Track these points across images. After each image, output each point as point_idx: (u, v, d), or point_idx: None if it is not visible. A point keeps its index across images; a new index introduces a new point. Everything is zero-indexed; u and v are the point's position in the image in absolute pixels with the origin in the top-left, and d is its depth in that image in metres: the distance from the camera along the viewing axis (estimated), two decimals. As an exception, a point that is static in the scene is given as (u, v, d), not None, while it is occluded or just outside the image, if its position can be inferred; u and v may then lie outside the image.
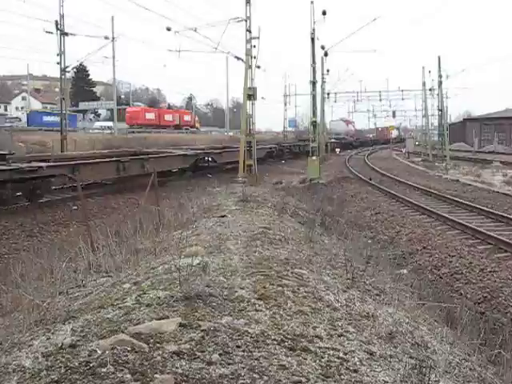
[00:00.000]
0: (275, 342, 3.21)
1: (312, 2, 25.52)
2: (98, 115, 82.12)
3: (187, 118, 75.05)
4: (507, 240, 11.10)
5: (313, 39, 26.42)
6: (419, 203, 17.28)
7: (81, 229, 12.20)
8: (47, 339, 3.19)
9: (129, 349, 2.91)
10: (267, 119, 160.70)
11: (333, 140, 62.59)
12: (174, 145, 35.67)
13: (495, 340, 5.75)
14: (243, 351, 3.03)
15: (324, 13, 25.34)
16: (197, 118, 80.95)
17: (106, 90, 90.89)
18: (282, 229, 7.96)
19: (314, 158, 25.50)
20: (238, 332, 3.28)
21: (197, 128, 75.61)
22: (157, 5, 26.48)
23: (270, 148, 37.94)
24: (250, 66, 21.65)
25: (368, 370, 3.06)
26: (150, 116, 66.56)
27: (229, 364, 2.85)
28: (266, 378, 2.75)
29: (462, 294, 8.58)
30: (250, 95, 21.80)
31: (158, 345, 3.00)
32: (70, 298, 4.45)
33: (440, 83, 43.37)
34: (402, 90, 53.63)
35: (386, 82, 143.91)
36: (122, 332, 3.16)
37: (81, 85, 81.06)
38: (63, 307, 3.94)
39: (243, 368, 2.82)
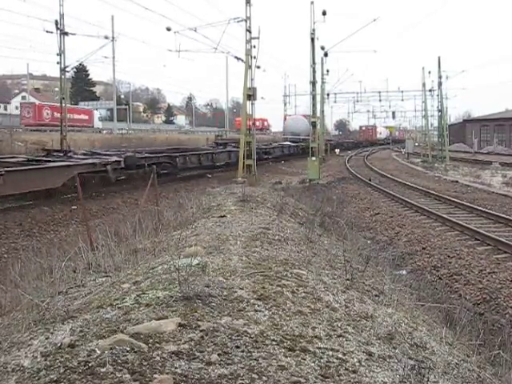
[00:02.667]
0: (274, 343, 3.21)
1: (312, 3, 25.53)
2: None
3: (266, 123, 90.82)
4: (506, 241, 11.10)
5: (313, 39, 26.42)
6: (418, 204, 17.28)
7: (80, 228, 12.23)
8: (46, 339, 3.19)
9: (128, 349, 2.91)
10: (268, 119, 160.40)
11: (274, 145, 43.97)
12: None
13: (494, 341, 5.75)
14: (242, 351, 3.03)
15: (324, 13, 25.34)
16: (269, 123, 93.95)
17: (106, 90, 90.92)
18: (281, 229, 7.97)
19: (313, 158, 25.51)
20: (237, 332, 3.28)
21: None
22: (157, 5, 26.48)
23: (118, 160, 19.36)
24: (250, 66, 21.64)
25: (367, 371, 3.06)
26: (249, 122, 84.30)
27: (228, 364, 2.85)
28: (265, 378, 2.75)
29: (461, 294, 8.58)
30: (250, 95, 21.80)
31: (157, 345, 3.00)
32: (69, 298, 4.45)
33: (440, 84, 43.43)
34: (402, 91, 53.60)
35: (386, 83, 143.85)
36: (121, 332, 3.16)
37: (80, 84, 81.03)
38: (62, 307, 3.94)
39: (242, 368, 2.82)
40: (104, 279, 5.17)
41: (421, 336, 4.16)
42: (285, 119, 60.19)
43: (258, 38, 21.66)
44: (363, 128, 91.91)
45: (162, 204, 12.66)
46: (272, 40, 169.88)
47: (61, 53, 26.66)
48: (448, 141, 46.23)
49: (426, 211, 15.89)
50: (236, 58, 23.36)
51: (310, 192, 20.02)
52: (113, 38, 39.58)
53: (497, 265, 9.75)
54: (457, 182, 25.40)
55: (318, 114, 34.59)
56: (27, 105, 54.88)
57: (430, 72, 46.15)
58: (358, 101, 59.46)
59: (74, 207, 15.60)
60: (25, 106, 53.96)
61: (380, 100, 57.91)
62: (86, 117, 59.16)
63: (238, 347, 3.08)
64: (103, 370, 2.66)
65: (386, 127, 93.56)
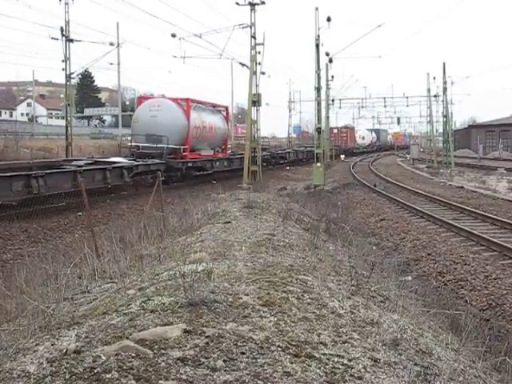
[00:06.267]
0: (280, 349, 3.21)
1: (317, 9, 25.60)
2: (103, 121, 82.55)
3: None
4: (512, 247, 11.05)
5: (317, 45, 26.45)
6: (424, 210, 17.25)
7: (85, 234, 12.25)
8: (52, 345, 3.20)
9: (133, 355, 2.91)
10: (271, 125, 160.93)
11: (110, 161, 21.46)
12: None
13: (500, 347, 5.72)
14: (248, 358, 3.03)
15: (329, 19, 25.38)
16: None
17: (111, 96, 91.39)
18: (286, 235, 7.95)
19: (318, 164, 25.51)
20: (242, 338, 3.28)
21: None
22: (162, 11, 26.65)
23: None
24: (255, 72, 21.71)
25: (372, 377, 3.05)
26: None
27: (233, 370, 2.85)
28: (270, 384, 2.75)
29: (466, 300, 8.55)
30: (255, 101, 21.85)
31: (162, 351, 3.00)
32: (74, 304, 4.46)
33: (445, 89, 43.48)
34: (407, 97, 53.64)
35: (391, 88, 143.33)
36: (127, 338, 3.16)
37: (86, 91, 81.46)
38: (68, 313, 3.95)
39: (248, 374, 2.82)
40: (109, 285, 5.18)
41: (426, 342, 4.14)
42: (138, 104, 28.46)
43: (263, 44, 21.76)
44: (334, 131, 66.65)
45: (167, 210, 12.67)
46: (277, 46, 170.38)
47: (66, 59, 26.86)
48: (453, 146, 46.14)
49: (432, 217, 15.85)
50: (241, 64, 23.50)
51: (315, 198, 20.00)
52: (118, 44, 39.75)
53: (502, 270, 9.72)
54: (462, 187, 25.32)
55: (323, 119, 34.58)
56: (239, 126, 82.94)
57: (434, 78, 46.26)
58: (362, 106, 59.45)
59: (79, 213, 15.63)
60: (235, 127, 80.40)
61: (385, 106, 57.91)
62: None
63: (243, 353, 3.07)
64: (108, 376, 2.66)
65: (371, 130, 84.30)
